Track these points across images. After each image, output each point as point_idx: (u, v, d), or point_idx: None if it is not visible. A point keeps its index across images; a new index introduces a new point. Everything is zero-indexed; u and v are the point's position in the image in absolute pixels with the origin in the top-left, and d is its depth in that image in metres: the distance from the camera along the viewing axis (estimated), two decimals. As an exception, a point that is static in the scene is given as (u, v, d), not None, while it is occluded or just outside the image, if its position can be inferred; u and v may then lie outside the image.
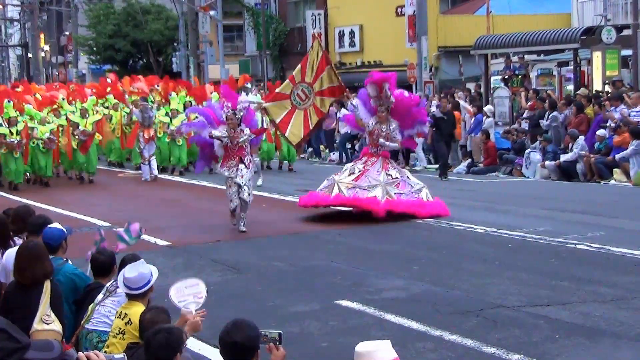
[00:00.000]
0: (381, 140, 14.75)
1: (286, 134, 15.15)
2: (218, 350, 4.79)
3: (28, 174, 21.97)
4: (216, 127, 13.82)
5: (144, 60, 50.51)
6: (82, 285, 7.16)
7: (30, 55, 62.90)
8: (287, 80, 15.35)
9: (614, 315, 8.59)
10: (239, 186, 13.60)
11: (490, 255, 11.63)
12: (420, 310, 8.96)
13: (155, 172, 22.39)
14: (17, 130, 20.41)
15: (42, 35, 61.41)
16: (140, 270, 6.06)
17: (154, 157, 22.50)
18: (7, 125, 20.38)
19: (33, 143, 21.02)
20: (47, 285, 6.21)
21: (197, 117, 13.83)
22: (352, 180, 14.63)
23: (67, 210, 16.68)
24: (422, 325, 8.41)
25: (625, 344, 7.84)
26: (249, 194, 13.71)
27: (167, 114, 23.41)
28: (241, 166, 13.63)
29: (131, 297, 6.09)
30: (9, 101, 20.90)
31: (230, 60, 44.17)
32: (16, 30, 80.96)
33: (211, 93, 24.47)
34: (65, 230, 7.42)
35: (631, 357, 7.59)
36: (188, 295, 5.96)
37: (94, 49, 51.76)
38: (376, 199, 14.28)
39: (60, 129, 21.85)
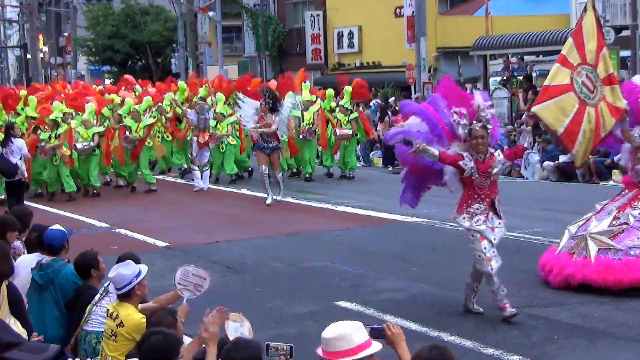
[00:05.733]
0: None
1: (574, 151, 9.31)
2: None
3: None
4: (446, 144, 8.82)
5: (143, 62, 50.54)
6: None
7: (29, 56, 62.91)
8: (557, 65, 9.45)
9: (613, 316, 8.59)
10: (492, 244, 8.70)
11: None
12: (419, 311, 8.97)
13: (207, 185, 19.46)
14: (56, 134, 17.99)
15: (40, 37, 61.34)
16: (118, 271, 6.07)
17: (207, 168, 19.62)
18: (43, 128, 18.15)
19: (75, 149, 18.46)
20: (3, 288, 6.03)
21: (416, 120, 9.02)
22: (606, 227, 9.47)
23: (64, 211, 16.66)
24: (420, 326, 8.41)
25: (624, 345, 7.85)
26: (497, 261, 8.66)
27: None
28: (491, 214, 8.76)
29: (118, 297, 6.13)
30: (52, 101, 18.98)
31: (229, 61, 44.14)
32: (15, 31, 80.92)
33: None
34: (67, 231, 7.44)
35: (630, 358, 7.60)
36: (190, 282, 5.89)
37: (93, 50, 51.85)
38: None
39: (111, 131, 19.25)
